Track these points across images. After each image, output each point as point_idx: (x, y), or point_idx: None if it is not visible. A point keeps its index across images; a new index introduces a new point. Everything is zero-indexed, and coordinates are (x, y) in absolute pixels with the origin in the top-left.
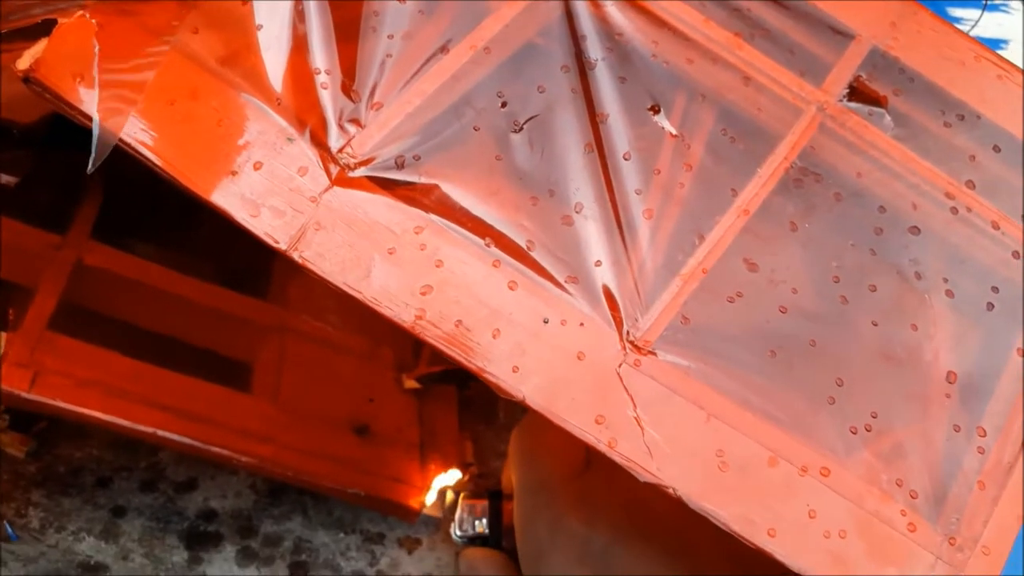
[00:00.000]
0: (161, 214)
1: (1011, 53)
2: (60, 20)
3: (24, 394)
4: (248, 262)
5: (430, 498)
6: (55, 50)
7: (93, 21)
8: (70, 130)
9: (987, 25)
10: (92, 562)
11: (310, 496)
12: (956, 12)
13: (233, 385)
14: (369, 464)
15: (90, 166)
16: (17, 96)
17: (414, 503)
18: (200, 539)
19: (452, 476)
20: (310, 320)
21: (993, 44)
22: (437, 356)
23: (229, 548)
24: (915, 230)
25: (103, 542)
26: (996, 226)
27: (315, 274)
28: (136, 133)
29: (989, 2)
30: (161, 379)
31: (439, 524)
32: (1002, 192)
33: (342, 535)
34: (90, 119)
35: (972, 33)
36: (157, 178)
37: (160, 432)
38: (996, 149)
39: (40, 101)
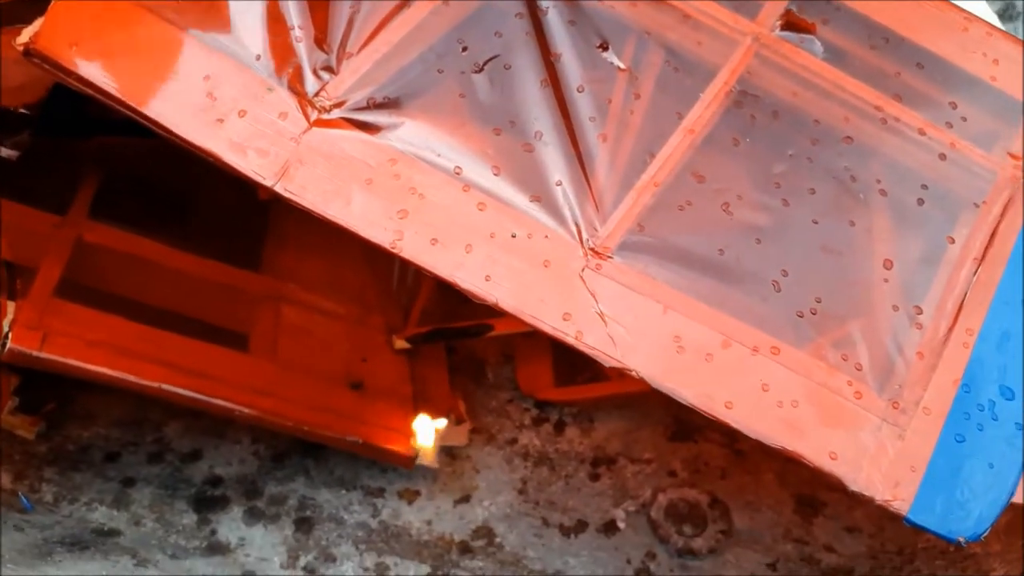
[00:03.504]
0: (155, 206)
1: None
2: None
3: (35, 352)
4: (239, 245)
5: (424, 447)
6: (51, 24)
7: None
8: (64, 117)
9: None
10: (106, 528)
11: (312, 459)
12: None
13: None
14: (366, 415)
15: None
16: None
17: (409, 449)
18: (208, 503)
19: (437, 425)
20: (301, 290)
21: None
22: (425, 317)
23: (236, 509)
24: (848, 140)
25: (115, 510)
26: (923, 132)
27: (300, 206)
28: (130, 92)
29: None
30: (164, 340)
31: (436, 475)
32: (926, 103)
33: (344, 492)
34: (89, 84)
35: None
36: (151, 172)
37: (165, 386)
38: (920, 66)
39: (31, 88)
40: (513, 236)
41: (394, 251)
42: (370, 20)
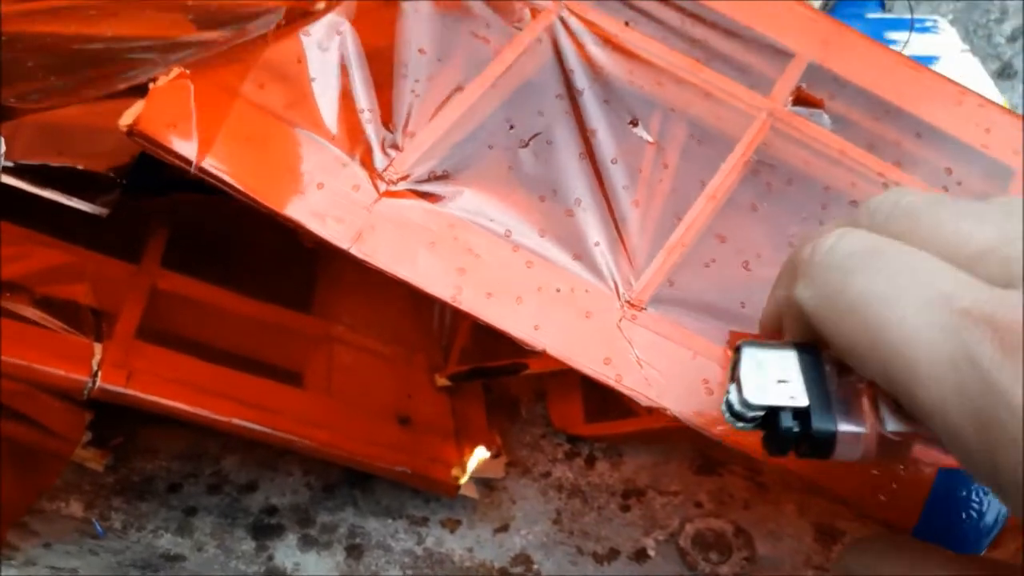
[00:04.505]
0: (212, 254)
1: (942, 67)
2: (151, 85)
3: (122, 389)
4: (290, 290)
5: (464, 478)
6: (152, 107)
7: (188, 83)
8: (149, 181)
9: (917, 45)
10: (172, 553)
11: (359, 490)
12: (892, 35)
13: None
14: (413, 447)
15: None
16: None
17: (453, 479)
18: (265, 530)
19: (480, 454)
20: (350, 332)
21: (926, 60)
22: (464, 357)
23: (291, 536)
24: (854, 203)
25: (179, 537)
26: None
27: (372, 266)
28: (221, 167)
29: (917, 25)
30: (233, 379)
31: (476, 506)
32: (924, 169)
33: (390, 520)
34: (185, 161)
35: (906, 52)
36: (208, 224)
37: (235, 420)
38: (918, 135)
39: (117, 154)
40: (558, 290)
41: (454, 304)
42: (428, 103)
